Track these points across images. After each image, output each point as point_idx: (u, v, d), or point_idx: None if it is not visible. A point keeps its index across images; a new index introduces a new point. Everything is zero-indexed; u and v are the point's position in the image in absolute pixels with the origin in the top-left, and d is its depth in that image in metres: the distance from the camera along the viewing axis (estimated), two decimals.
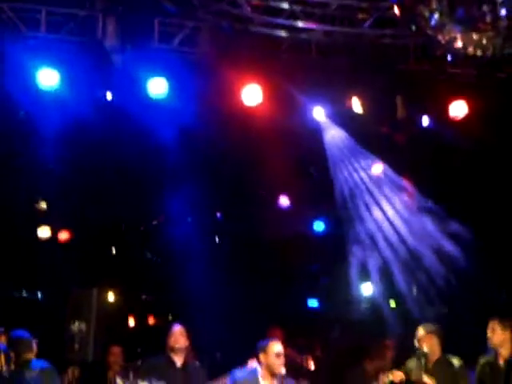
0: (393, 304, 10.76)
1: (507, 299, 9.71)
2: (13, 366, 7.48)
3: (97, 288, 8.54)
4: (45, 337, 8.01)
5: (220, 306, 10.27)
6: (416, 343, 7.88)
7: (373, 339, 9.19)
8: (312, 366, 9.67)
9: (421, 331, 7.91)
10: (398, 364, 8.49)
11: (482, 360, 7.83)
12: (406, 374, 7.79)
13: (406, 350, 8.34)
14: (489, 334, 7.68)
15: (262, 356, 7.58)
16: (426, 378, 7.64)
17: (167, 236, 10.70)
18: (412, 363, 7.84)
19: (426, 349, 7.78)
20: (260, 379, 7.58)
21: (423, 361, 7.76)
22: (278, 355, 7.56)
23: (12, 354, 7.48)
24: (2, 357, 7.39)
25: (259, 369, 7.60)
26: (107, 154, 9.36)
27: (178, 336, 8.20)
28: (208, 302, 10.63)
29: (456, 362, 7.82)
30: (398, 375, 7.71)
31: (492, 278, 10.01)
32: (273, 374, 7.58)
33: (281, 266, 10.74)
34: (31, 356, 7.65)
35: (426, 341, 7.83)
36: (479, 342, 8.32)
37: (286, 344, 9.54)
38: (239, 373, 7.65)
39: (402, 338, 9.39)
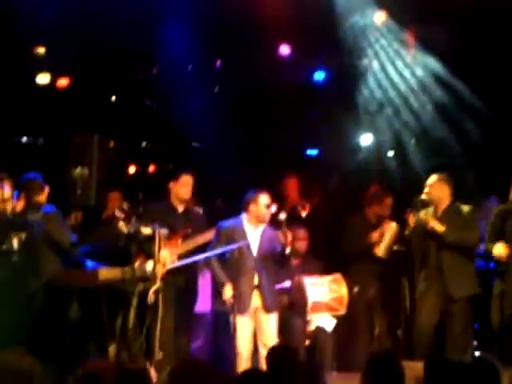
0: (391, 154, 10.81)
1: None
2: (22, 207, 7.57)
3: (98, 135, 8.52)
4: (46, 182, 8.07)
5: (220, 154, 10.32)
6: (425, 191, 7.89)
7: (371, 186, 9.30)
8: (306, 214, 9.80)
9: (432, 178, 7.93)
10: (397, 214, 8.65)
11: (497, 209, 7.89)
12: (418, 223, 7.82)
13: (405, 200, 8.46)
14: None
15: (251, 206, 7.79)
16: (433, 223, 7.73)
17: (167, 84, 10.57)
18: (422, 213, 7.86)
19: (436, 196, 7.83)
20: (246, 224, 7.81)
21: (432, 208, 7.83)
22: (267, 206, 7.80)
23: (23, 195, 7.57)
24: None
25: (245, 216, 7.80)
26: None
27: (184, 186, 8.29)
28: (208, 149, 10.70)
29: (465, 208, 7.89)
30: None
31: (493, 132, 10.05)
32: (259, 221, 7.81)
33: (280, 115, 10.68)
34: (42, 199, 7.74)
35: (437, 188, 7.86)
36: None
37: (297, 190, 9.67)
38: (226, 222, 7.89)
39: (401, 187, 9.53)
